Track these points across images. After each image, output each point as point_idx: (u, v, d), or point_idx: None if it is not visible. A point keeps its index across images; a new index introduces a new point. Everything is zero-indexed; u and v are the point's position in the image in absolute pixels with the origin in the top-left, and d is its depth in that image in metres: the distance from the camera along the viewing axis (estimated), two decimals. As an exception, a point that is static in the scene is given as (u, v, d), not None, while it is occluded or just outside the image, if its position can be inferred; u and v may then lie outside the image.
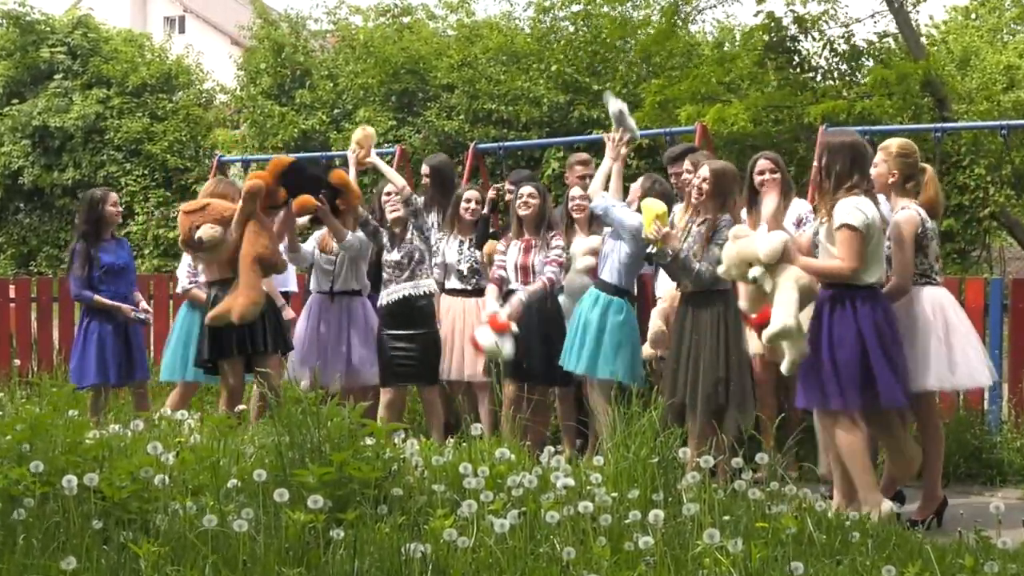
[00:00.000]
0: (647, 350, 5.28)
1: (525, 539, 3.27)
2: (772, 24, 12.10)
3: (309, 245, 6.01)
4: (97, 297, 5.96)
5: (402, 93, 16.23)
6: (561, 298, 5.64)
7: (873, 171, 4.43)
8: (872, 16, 12.95)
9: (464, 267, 5.86)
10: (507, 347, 5.29)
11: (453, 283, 5.90)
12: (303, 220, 5.84)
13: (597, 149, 9.60)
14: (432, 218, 5.99)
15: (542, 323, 5.47)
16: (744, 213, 5.06)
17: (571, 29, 16.13)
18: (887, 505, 4.13)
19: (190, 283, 6.21)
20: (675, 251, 4.68)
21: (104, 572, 3.05)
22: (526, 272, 5.51)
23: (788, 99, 11.59)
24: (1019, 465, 5.47)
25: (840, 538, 3.56)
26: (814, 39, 12.28)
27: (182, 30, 30.92)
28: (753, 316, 4.88)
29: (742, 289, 4.79)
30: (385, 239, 5.69)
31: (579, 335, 5.21)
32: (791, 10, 12.15)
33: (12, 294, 8.08)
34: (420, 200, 5.84)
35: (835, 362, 4.18)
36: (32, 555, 3.10)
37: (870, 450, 4.37)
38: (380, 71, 16.14)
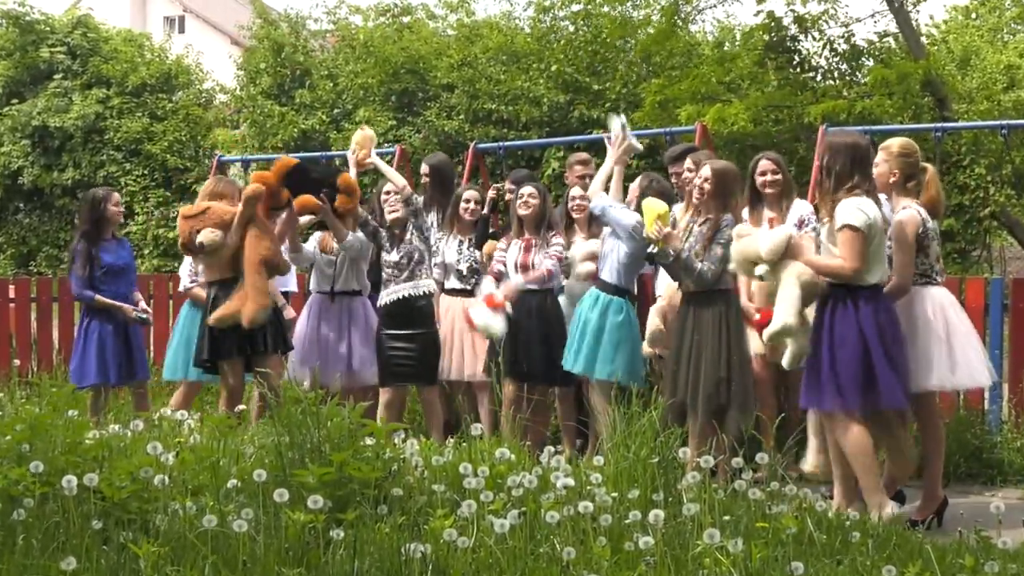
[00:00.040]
0: (645, 348, 5.28)
1: (525, 539, 3.27)
2: (772, 24, 12.10)
3: (310, 245, 6.01)
4: (98, 297, 5.96)
5: (402, 93, 16.23)
6: (561, 299, 5.64)
7: (874, 171, 4.43)
8: (872, 16, 12.96)
9: (463, 267, 5.86)
10: (499, 325, 5.30)
11: (452, 283, 5.90)
12: (304, 220, 5.85)
13: (597, 149, 9.60)
14: (432, 218, 5.99)
15: (542, 323, 5.46)
16: (746, 213, 5.06)
17: (571, 29, 16.13)
18: (892, 508, 4.12)
19: (191, 282, 6.21)
20: (677, 251, 4.68)
21: (104, 572, 3.05)
22: (526, 271, 5.51)
23: (788, 99, 11.59)
24: (1019, 465, 5.47)
25: (840, 538, 3.56)
26: (814, 39, 12.28)
27: (182, 30, 30.92)
28: (756, 318, 4.89)
29: (744, 287, 4.79)
30: (384, 239, 5.68)
31: (579, 335, 5.22)
32: (791, 10, 12.15)
33: (12, 294, 8.08)
34: (420, 200, 5.83)
35: (836, 362, 4.18)
36: (32, 555, 3.10)
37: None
38: (380, 71, 16.14)
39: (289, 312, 6.17)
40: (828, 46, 12.24)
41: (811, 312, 4.34)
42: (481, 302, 5.43)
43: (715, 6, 16.76)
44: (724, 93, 12.36)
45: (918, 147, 4.68)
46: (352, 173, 5.90)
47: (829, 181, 4.23)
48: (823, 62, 12.38)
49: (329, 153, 11.88)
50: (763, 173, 5.15)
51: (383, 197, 5.79)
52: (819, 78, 12.35)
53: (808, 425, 4.53)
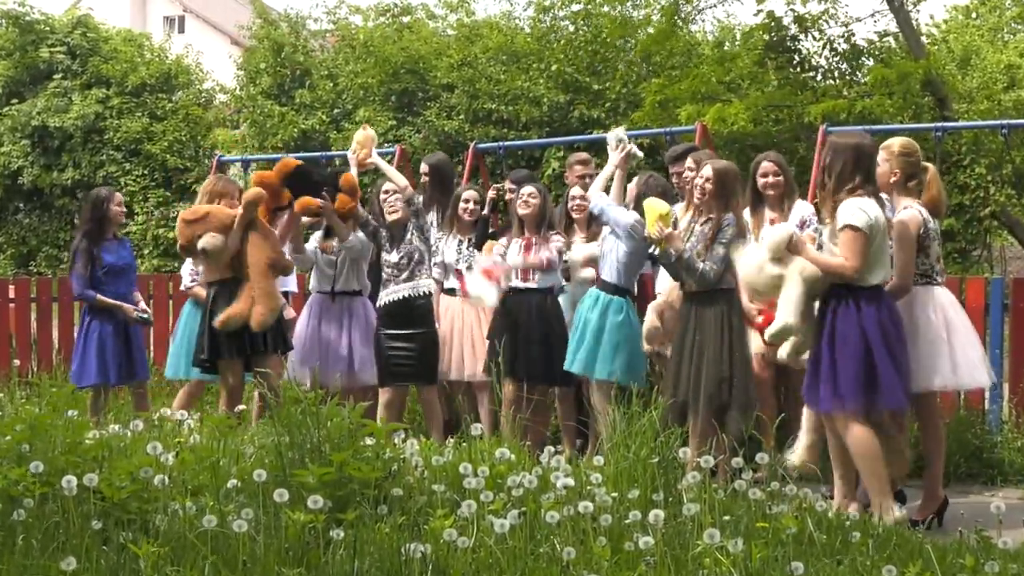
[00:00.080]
0: (643, 346, 5.28)
1: (525, 539, 3.27)
2: (772, 23, 12.10)
3: (310, 245, 6.01)
4: (100, 296, 5.95)
5: (402, 93, 16.23)
6: (562, 299, 5.63)
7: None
8: (872, 15, 12.96)
9: (462, 267, 5.86)
10: (492, 296, 5.31)
11: (452, 283, 5.90)
12: (306, 220, 5.86)
13: (597, 149, 9.60)
14: (431, 217, 5.99)
15: (542, 323, 5.46)
16: (747, 213, 5.07)
17: (571, 28, 16.13)
18: (900, 513, 4.11)
19: (192, 281, 6.21)
20: (679, 251, 4.68)
21: (104, 572, 3.05)
22: (525, 270, 5.50)
23: (788, 98, 11.59)
24: (1020, 465, 5.46)
25: (840, 538, 3.56)
26: (814, 38, 12.28)
27: (182, 30, 30.92)
28: (759, 320, 4.89)
29: (744, 288, 4.78)
30: (385, 240, 5.68)
31: (579, 335, 5.22)
32: (791, 9, 12.15)
33: (12, 294, 8.07)
34: (421, 200, 5.83)
35: (837, 363, 4.17)
36: (32, 555, 3.09)
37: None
38: (380, 71, 16.14)
39: (289, 312, 6.17)
40: (828, 46, 12.24)
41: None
42: (477, 272, 5.42)
43: (715, 6, 16.78)
44: (724, 93, 12.35)
45: (919, 147, 4.67)
46: (353, 173, 5.89)
47: (831, 182, 4.22)
48: (823, 62, 12.38)
49: (329, 153, 11.88)
50: (764, 175, 5.16)
51: (382, 196, 5.79)
52: (819, 78, 12.35)
53: (803, 420, 4.50)
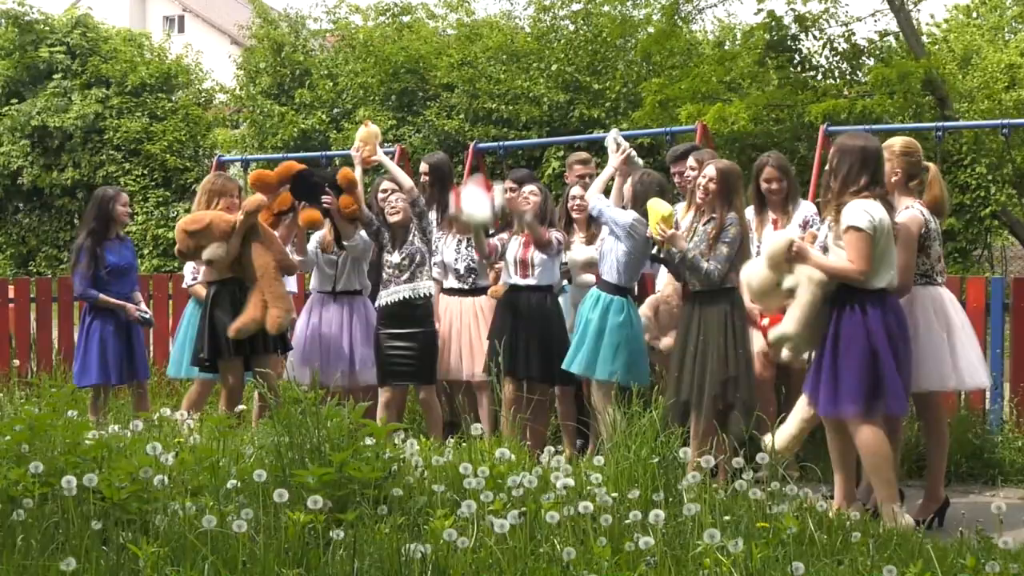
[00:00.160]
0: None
1: (525, 539, 3.27)
2: (773, 23, 12.11)
3: (311, 246, 6.00)
4: (102, 296, 5.94)
5: (402, 92, 16.24)
6: (561, 300, 5.63)
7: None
8: (873, 15, 12.97)
9: (461, 266, 5.85)
10: (485, 212, 5.30)
11: (451, 282, 5.90)
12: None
13: (597, 148, 9.60)
14: (431, 216, 5.98)
15: (541, 323, 5.46)
16: (750, 212, 5.07)
17: (571, 28, 16.13)
18: (907, 519, 4.09)
19: (193, 279, 6.21)
20: (682, 251, 4.68)
21: (103, 573, 3.04)
22: (525, 266, 5.50)
23: (789, 98, 11.59)
24: (1020, 465, 5.46)
25: (841, 538, 3.55)
26: (815, 38, 12.29)
27: (181, 29, 30.93)
28: (765, 323, 4.88)
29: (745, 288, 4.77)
30: (386, 240, 5.67)
31: (580, 335, 5.21)
32: (792, 9, 12.16)
33: (11, 294, 8.07)
34: (424, 201, 5.81)
35: (839, 367, 4.14)
36: (31, 556, 3.09)
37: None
38: (380, 70, 16.15)
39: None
40: (829, 45, 12.25)
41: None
42: (471, 186, 5.41)
43: (715, 5, 16.78)
44: (724, 92, 12.36)
45: (920, 146, 4.67)
46: (357, 172, 5.87)
47: (836, 183, 4.19)
48: (824, 61, 12.39)
49: (329, 153, 11.87)
50: (768, 180, 5.15)
51: (380, 196, 5.78)
52: (820, 77, 12.36)
53: (797, 410, 4.48)
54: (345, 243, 5.73)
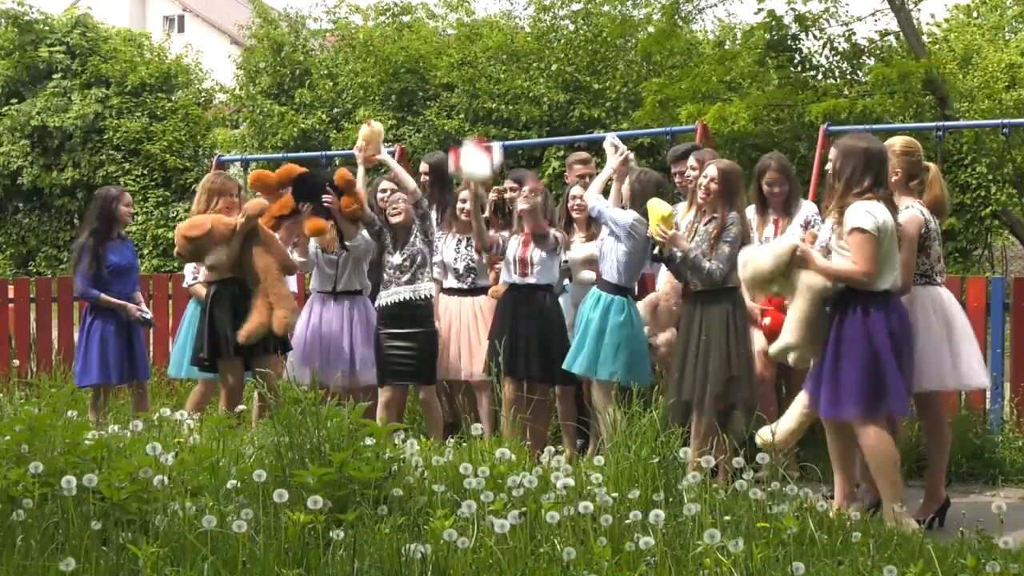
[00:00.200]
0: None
1: (525, 539, 3.26)
2: (773, 22, 12.10)
3: (311, 246, 6.00)
4: (103, 296, 5.94)
5: (402, 92, 16.23)
6: (562, 299, 5.62)
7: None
8: (873, 14, 12.97)
9: (460, 266, 5.85)
10: (484, 169, 5.35)
11: (450, 282, 5.89)
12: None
13: (597, 148, 9.58)
14: (431, 216, 5.97)
15: (541, 323, 5.45)
16: (751, 212, 5.06)
17: (571, 28, 16.13)
18: (912, 523, 4.08)
19: (193, 279, 6.21)
20: (684, 251, 4.67)
21: (103, 573, 3.04)
22: (524, 265, 5.49)
23: (789, 98, 11.59)
24: (1021, 465, 5.46)
25: (841, 538, 3.55)
26: (815, 37, 12.29)
27: (181, 29, 30.93)
28: (766, 322, 4.87)
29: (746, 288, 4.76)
30: (388, 240, 5.66)
31: (580, 335, 5.21)
32: (792, 8, 12.15)
33: (11, 294, 8.06)
34: (428, 204, 5.80)
35: (841, 369, 4.13)
36: (31, 556, 3.09)
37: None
38: (380, 70, 16.15)
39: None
40: (829, 45, 12.25)
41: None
42: (469, 145, 5.45)
43: (716, 5, 16.81)
44: (725, 92, 12.36)
45: (920, 146, 4.66)
46: (360, 172, 5.85)
47: (840, 185, 4.18)
48: (824, 61, 12.39)
49: (329, 153, 11.88)
50: (770, 184, 5.14)
51: (379, 195, 5.76)
52: (820, 77, 12.35)
53: (796, 404, 4.47)
54: (347, 243, 5.72)
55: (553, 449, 4.06)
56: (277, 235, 5.58)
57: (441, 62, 16.02)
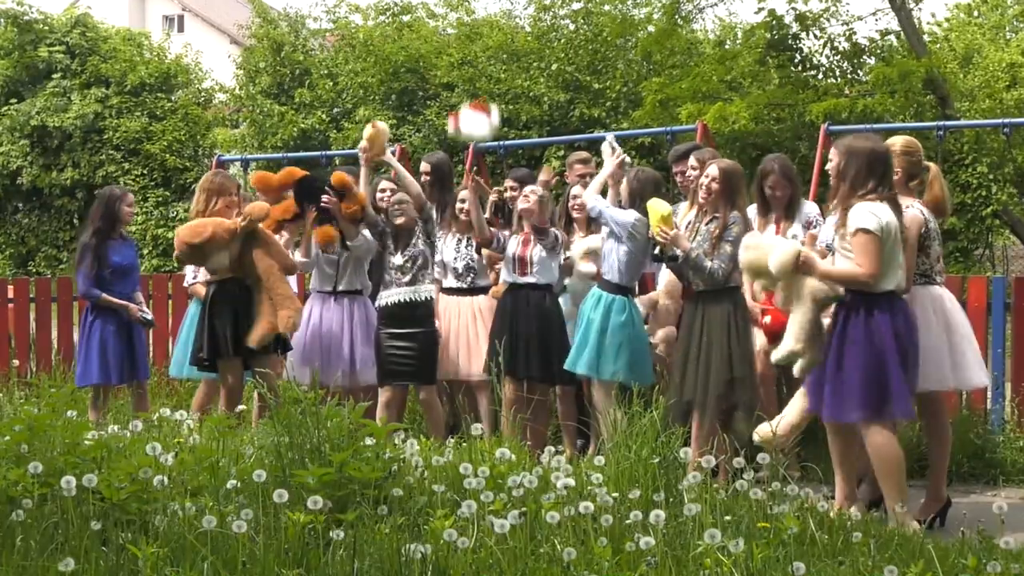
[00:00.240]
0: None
1: (526, 539, 3.26)
2: (773, 22, 12.09)
3: (313, 246, 5.98)
4: (104, 295, 5.93)
5: (402, 92, 16.22)
6: (563, 299, 5.61)
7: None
8: (874, 14, 12.96)
9: (460, 265, 5.85)
10: (483, 130, 5.44)
11: (450, 282, 5.89)
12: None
13: (598, 148, 9.57)
14: (434, 218, 5.96)
15: (541, 323, 5.45)
16: (752, 211, 5.05)
17: (571, 27, 16.12)
18: (913, 523, 4.07)
19: (194, 278, 6.21)
20: (685, 251, 4.66)
21: (103, 573, 3.04)
22: (523, 264, 5.49)
23: (789, 97, 11.58)
24: (1022, 465, 5.45)
25: (842, 538, 3.55)
26: (816, 37, 12.28)
27: (181, 29, 30.93)
28: (766, 321, 4.86)
29: (747, 287, 4.76)
30: (390, 241, 5.65)
31: (582, 335, 5.20)
32: (792, 8, 12.15)
33: (11, 294, 8.06)
34: (432, 208, 5.79)
35: (843, 371, 4.11)
36: (30, 556, 3.08)
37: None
38: (380, 70, 16.13)
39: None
40: (829, 44, 12.24)
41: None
42: (467, 108, 5.51)
43: (716, 4, 16.79)
44: (725, 91, 12.35)
45: (921, 146, 4.65)
46: (363, 172, 5.84)
47: (844, 186, 4.16)
48: (824, 60, 12.38)
49: (329, 152, 11.87)
50: (772, 187, 5.14)
51: (379, 195, 5.74)
52: (820, 76, 12.35)
53: (796, 399, 4.46)
54: (349, 243, 5.72)
55: (553, 449, 4.05)
56: (278, 236, 5.59)
57: (441, 62, 16.01)
